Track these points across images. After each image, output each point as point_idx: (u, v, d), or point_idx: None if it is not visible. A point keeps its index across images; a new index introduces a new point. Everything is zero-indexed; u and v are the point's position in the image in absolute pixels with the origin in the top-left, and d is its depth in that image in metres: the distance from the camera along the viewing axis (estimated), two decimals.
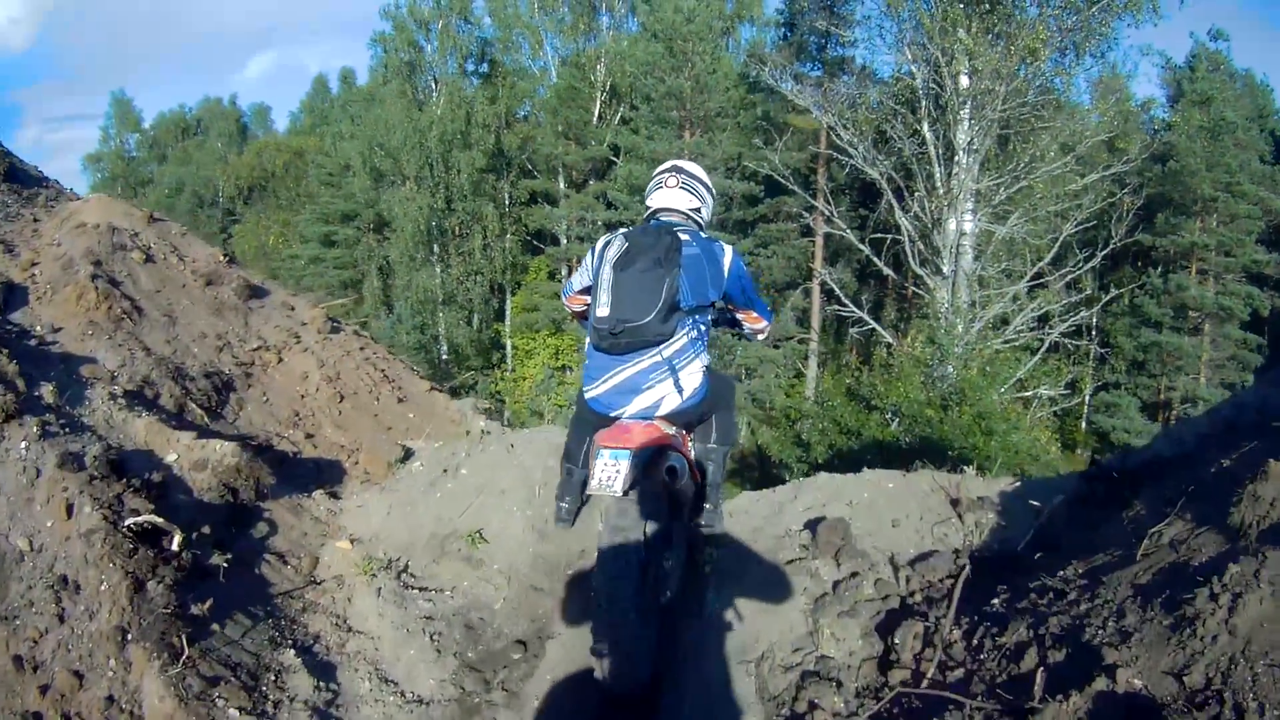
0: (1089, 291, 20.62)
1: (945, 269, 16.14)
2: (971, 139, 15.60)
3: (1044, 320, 17.25)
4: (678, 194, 3.10)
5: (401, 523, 3.46)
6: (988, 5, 14.77)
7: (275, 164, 41.85)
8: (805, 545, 3.38)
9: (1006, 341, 15.51)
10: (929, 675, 2.39)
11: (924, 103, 15.89)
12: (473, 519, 3.42)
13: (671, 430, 2.91)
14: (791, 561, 3.27)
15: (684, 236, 2.89)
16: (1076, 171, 16.57)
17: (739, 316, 3.24)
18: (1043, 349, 16.47)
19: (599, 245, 2.98)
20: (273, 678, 2.58)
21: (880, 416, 12.71)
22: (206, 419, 3.88)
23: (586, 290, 3.07)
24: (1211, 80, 26.10)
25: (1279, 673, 1.76)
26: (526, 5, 29.58)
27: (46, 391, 3.23)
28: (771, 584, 3.15)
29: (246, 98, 75.53)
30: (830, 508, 3.68)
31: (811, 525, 3.52)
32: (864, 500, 3.71)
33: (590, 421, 2.97)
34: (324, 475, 4.00)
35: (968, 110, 15.45)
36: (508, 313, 29.66)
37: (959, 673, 2.34)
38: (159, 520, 2.76)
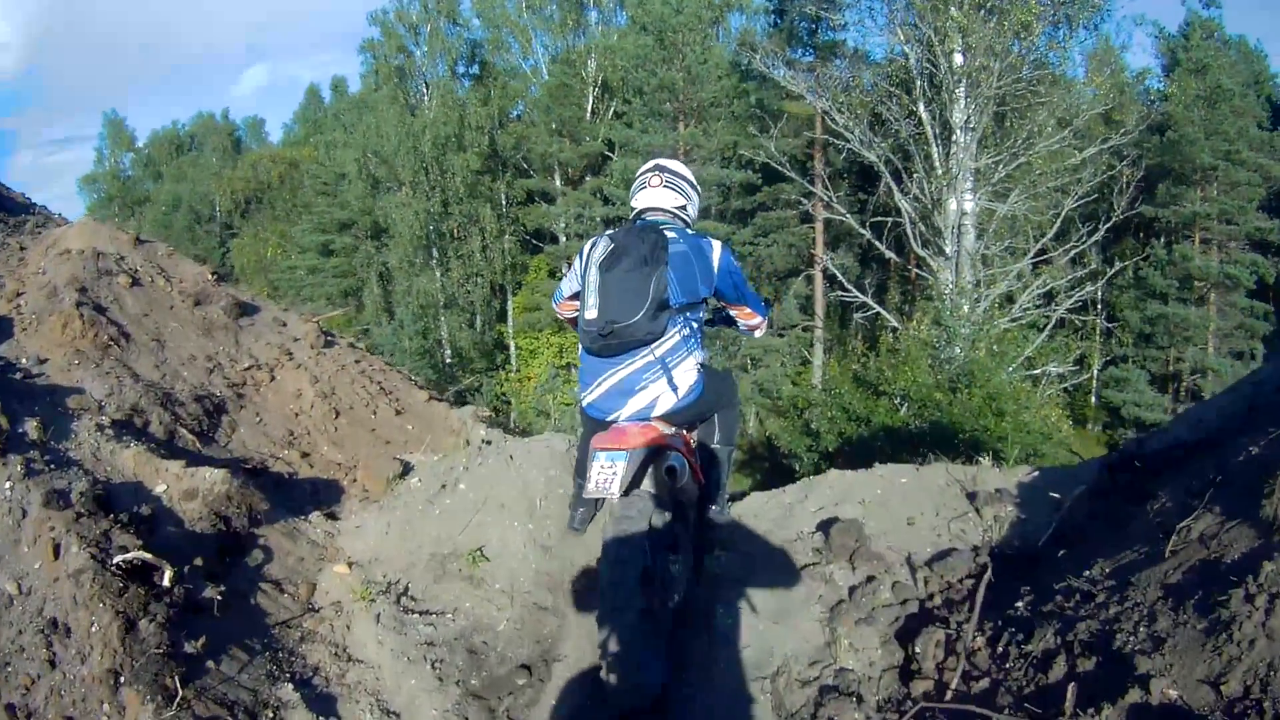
0: (1093, 266, 20.33)
1: (948, 249, 16.00)
2: (968, 117, 15.43)
3: (1049, 297, 17.10)
4: (662, 193, 3.06)
5: (400, 543, 3.37)
6: None
7: (270, 176, 41.77)
8: (818, 549, 3.28)
9: (1013, 320, 15.36)
10: (952, 686, 2.29)
11: (919, 83, 15.71)
12: (473, 536, 3.33)
13: (670, 430, 2.85)
14: (805, 567, 3.18)
15: (670, 234, 2.85)
16: (1075, 146, 16.39)
17: (733, 313, 3.22)
18: (1049, 325, 16.32)
19: (585, 248, 2.95)
20: (271, 714, 2.49)
21: (889, 402, 12.59)
22: (198, 444, 3.80)
23: (576, 296, 3.04)
24: (1206, 48, 25.69)
25: None
26: (514, 5, 29.51)
27: (31, 427, 3.15)
28: (784, 592, 3.05)
29: (240, 111, 75.94)
30: (842, 507, 3.58)
31: (824, 527, 3.43)
32: (877, 497, 3.62)
33: (590, 429, 2.92)
34: (321, 495, 3.91)
35: (963, 88, 15.28)
36: (510, 313, 29.51)
37: (984, 683, 2.24)
38: (148, 556, 2.67)
